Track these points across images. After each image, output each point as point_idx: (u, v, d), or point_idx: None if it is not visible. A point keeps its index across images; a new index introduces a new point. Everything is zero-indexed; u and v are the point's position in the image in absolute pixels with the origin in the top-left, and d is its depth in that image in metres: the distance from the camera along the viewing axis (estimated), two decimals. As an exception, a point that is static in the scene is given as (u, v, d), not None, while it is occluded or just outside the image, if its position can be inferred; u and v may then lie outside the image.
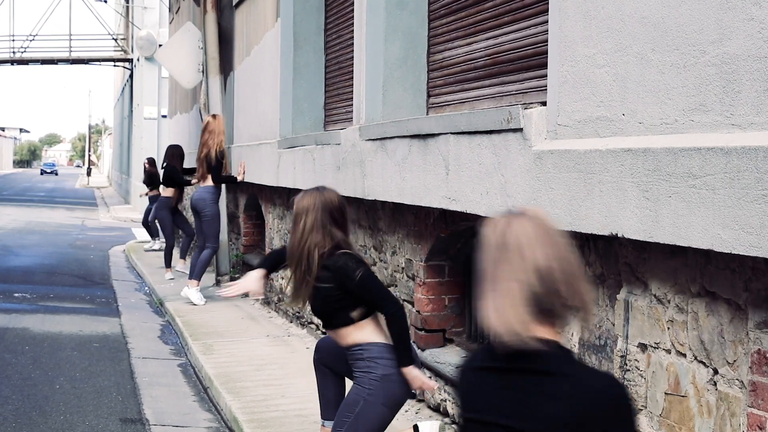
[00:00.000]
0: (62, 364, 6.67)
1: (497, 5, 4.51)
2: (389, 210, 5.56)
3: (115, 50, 33.20)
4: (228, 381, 5.87)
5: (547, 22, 3.73)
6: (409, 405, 5.04)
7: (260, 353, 6.75)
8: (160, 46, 21.40)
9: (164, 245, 11.82)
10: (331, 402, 4.03)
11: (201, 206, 9.16)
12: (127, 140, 34.54)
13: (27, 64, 32.29)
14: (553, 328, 1.86)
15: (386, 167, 5.13)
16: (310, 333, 7.29)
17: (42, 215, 24.21)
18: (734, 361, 2.65)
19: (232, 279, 9.41)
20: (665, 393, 2.98)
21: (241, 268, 10.04)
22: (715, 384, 2.74)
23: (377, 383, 3.55)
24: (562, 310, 1.85)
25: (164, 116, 23.75)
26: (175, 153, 11.06)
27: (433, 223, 4.90)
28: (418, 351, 4.77)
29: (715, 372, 2.74)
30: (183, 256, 11.66)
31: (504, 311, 1.81)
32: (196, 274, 9.20)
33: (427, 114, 5.38)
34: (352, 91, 6.30)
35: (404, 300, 5.32)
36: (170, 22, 16.91)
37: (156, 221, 14.34)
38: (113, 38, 33.18)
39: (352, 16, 6.22)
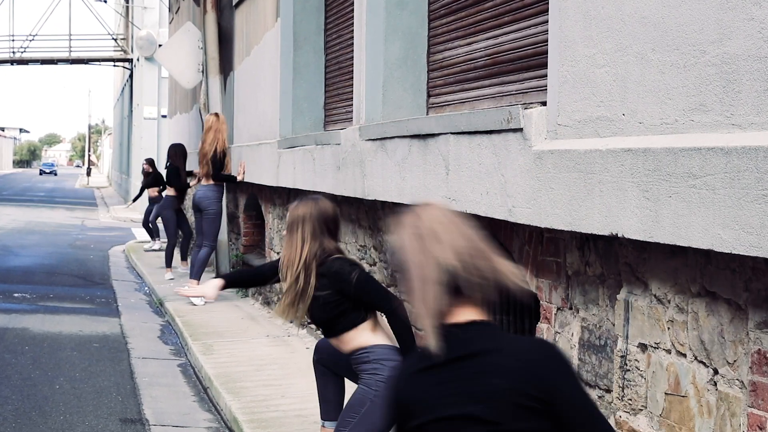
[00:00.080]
0: (62, 365, 6.67)
1: (497, 5, 4.51)
2: (389, 210, 5.56)
3: (114, 50, 33.19)
4: (228, 381, 5.86)
5: (547, 22, 3.73)
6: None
7: (260, 353, 6.74)
8: (159, 46, 21.40)
9: (164, 245, 11.81)
10: (331, 403, 4.03)
11: (205, 204, 9.17)
12: (127, 140, 34.53)
13: (27, 64, 32.29)
14: (476, 307, 1.87)
15: (386, 167, 5.13)
16: (310, 333, 7.29)
17: (42, 215, 24.21)
18: (734, 361, 2.65)
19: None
20: (665, 393, 2.97)
21: (240, 268, 10.04)
22: (715, 384, 2.74)
23: (384, 385, 3.55)
24: (482, 287, 1.86)
25: (164, 116, 23.76)
26: (177, 152, 11.05)
27: (433, 223, 4.89)
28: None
29: (716, 372, 2.74)
30: (184, 258, 11.65)
31: (427, 301, 1.84)
32: (195, 273, 9.20)
33: (427, 114, 5.38)
34: (352, 91, 6.30)
35: (404, 300, 5.31)
36: (170, 22, 16.91)
37: (156, 221, 14.36)
38: (113, 38, 33.17)
39: (352, 16, 6.22)
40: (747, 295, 2.60)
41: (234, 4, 10.10)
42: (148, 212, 14.86)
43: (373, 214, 5.85)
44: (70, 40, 31.61)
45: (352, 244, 6.24)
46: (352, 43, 6.24)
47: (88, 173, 64.94)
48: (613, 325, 3.26)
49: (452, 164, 4.26)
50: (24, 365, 6.59)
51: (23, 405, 5.55)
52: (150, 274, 11.49)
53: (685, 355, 2.88)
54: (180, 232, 11.78)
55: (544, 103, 3.65)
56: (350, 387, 3.95)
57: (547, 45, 3.66)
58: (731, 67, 2.59)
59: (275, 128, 8.02)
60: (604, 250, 3.32)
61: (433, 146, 4.48)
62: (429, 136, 4.53)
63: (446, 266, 1.83)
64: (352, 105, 6.29)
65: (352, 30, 6.25)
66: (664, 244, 2.81)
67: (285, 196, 8.13)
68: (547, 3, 3.70)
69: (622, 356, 3.20)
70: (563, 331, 3.62)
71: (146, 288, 10.87)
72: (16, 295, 9.90)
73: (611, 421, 3.25)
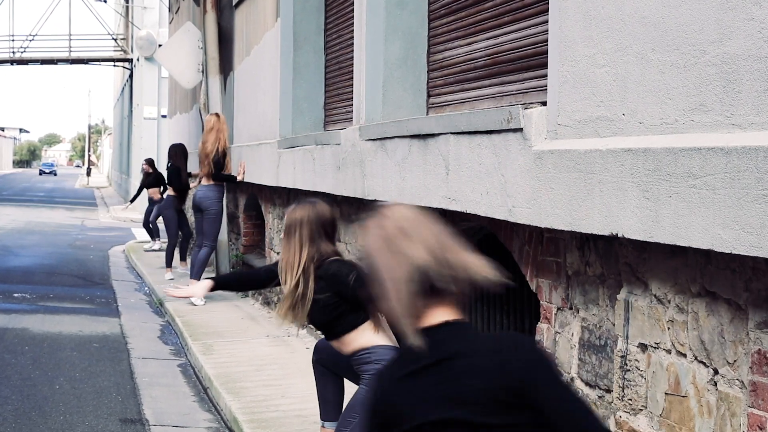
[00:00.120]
0: (62, 365, 6.67)
1: (497, 5, 4.51)
2: (389, 210, 5.55)
3: (114, 50, 33.20)
4: (228, 381, 5.86)
5: (547, 22, 3.73)
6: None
7: (260, 353, 6.74)
8: (159, 46, 21.40)
9: (164, 245, 11.79)
10: (330, 403, 4.03)
11: (206, 204, 9.18)
12: (127, 140, 34.53)
13: (27, 64, 32.29)
14: (450, 307, 1.86)
15: (386, 167, 5.12)
16: (310, 333, 7.29)
17: (41, 215, 24.21)
18: (734, 361, 2.65)
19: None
20: (665, 393, 2.97)
21: (240, 268, 10.04)
22: (715, 384, 2.74)
23: (365, 394, 3.55)
24: (455, 282, 1.85)
25: (164, 116, 23.75)
26: (178, 152, 11.03)
27: (433, 223, 4.89)
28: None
29: (716, 372, 2.74)
30: (183, 258, 11.65)
31: (401, 304, 1.83)
32: (195, 273, 9.20)
33: (427, 114, 5.38)
34: (352, 91, 6.30)
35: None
36: (170, 22, 16.91)
37: (157, 221, 14.36)
38: (113, 38, 33.17)
39: (352, 16, 6.22)
40: (747, 295, 2.60)
41: (234, 4, 10.10)
42: (148, 212, 14.85)
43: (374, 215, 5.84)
44: (70, 40, 31.61)
45: (352, 244, 6.24)
46: (352, 43, 6.24)
47: (88, 173, 64.96)
48: (614, 325, 3.26)
49: (452, 164, 4.26)
50: (24, 365, 6.59)
51: (23, 405, 5.55)
52: (150, 274, 11.49)
53: (685, 355, 2.88)
54: (180, 233, 11.77)
55: (544, 103, 3.65)
56: (350, 387, 3.95)
57: (547, 45, 3.66)
58: (731, 67, 2.59)
59: (275, 128, 8.02)
60: (604, 250, 3.32)
61: (433, 146, 4.48)
62: (429, 136, 4.53)
63: (418, 264, 1.82)
64: (352, 105, 6.29)
65: (352, 30, 6.25)
66: (664, 244, 2.81)
67: (285, 196, 8.13)
68: (547, 3, 3.69)
69: (622, 356, 3.20)
70: (563, 331, 3.62)
71: (146, 288, 10.87)
72: (15, 295, 9.90)
73: (611, 421, 3.25)
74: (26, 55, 31.85)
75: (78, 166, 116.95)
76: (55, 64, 31.85)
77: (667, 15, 2.86)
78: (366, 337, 3.64)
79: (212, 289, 4.10)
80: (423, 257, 1.82)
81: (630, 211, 2.92)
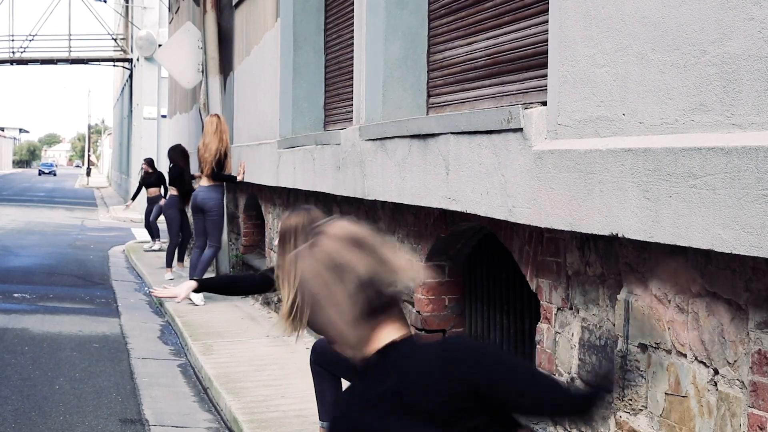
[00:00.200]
0: (62, 365, 6.67)
1: (497, 5, 4.51)
2: (389, 210, 5.56)
3: (114, 50, 33.20)
4: (228, 381, 5.86)
5: (547, 22, 3.73)
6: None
7: (260, 353, 6.74)
8: (159, 46, 21.40)
9: (164, 246, 11.78)
10: (329, 403, 4.03)
11: (210, 205, 9.19)
12: (127, 140, 34.54)
13: (26, 64, 32.29)
14: (394, 323, 1.86)
15: (386, 167, 5.12)
16: (310, 333, 7.28)
17: (41, 215, 24.21)
18: (735, 361, 2.65)
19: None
20: (666, 393, 2.97)
21: (240, 268, 10.04)
22: (715, 384, 2.74)
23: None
24: (392, 296, 1.85)
25: (164, 116, 23.75)
26: (179, 153, 11.02)
27: (433, 223, 4.90)
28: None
29: (716, 372, 2.74)
30: (181, 259, 11.63)
31: (345, 332, 1.82)
32: (198, 273, 9.20)
33: (427, 114, 5.38)
34: (352, 91, 6.30)
35: (404, 300, 5.31)
36: (170, 22, 16.91)
37: (157, 221, 14.35)
38: (113, 38, 33.18)
39: (352, 16, 6.21)
40: (747, 295, 2.60)
41: (234, 4, 10.10)
42: (147, 212, 14.84)
43: (373, 214, 5.85)
44: (70, 40, 31.62)
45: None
46: (352, 43, 6.24)
47: (88, 173, 64.98)
48: (614, 325, 3.26)
49: (452, 164, 4.25)
50: (24, 365, 6.58)
51: (23, 405, 5.55)
52: (150, 274, 11.49)
53: (685, 356, 2.88)
54: (180, 233, 11.76)
55: (544, 103, 3.65)
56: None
57: (547, 45, 3.66)
58: (731, 66, 2.58)
59: (275, 128, 8.02)
60: (604, 250, 3.31)
61: (433, 146, 4.48)
62: (429, 136, 4.53)
63: (360, 278, 1.80)
64: (352, 105, 6.29)
65: (352, 30, 6.25)
66: (664, 244, 2.81)
67: (285, 196, 8.13)
68: (547, 3, 3.69)
69: (622, 356, 3.20)
70: (563, 331, 3.62)
71: (146, 288, 10.87)
72: (15, 295, 9.90)
73: (611, 422, 3.25)
74: (26, 55, 31.86)
75: (78, 166, 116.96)
76: (55, 64, 31.85)
77: (667, 15, 2.86)
78: None
79: (197, 290, 4.08)
80: (360, 278, 1.80)
81: (630, 211, 2.92)
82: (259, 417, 5.08)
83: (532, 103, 3.82)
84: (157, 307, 9.47)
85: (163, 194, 14.30)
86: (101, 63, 33.36)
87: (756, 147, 2.40)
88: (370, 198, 5.44)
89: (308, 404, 5.13)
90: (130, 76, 32.12)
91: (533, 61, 4.11)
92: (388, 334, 1.85)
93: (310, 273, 1.85)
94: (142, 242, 15.76)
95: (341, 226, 1.89)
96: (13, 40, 31.76)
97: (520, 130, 3.63)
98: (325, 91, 7.65)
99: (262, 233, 9.88)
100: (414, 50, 5.47)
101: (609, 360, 2.90)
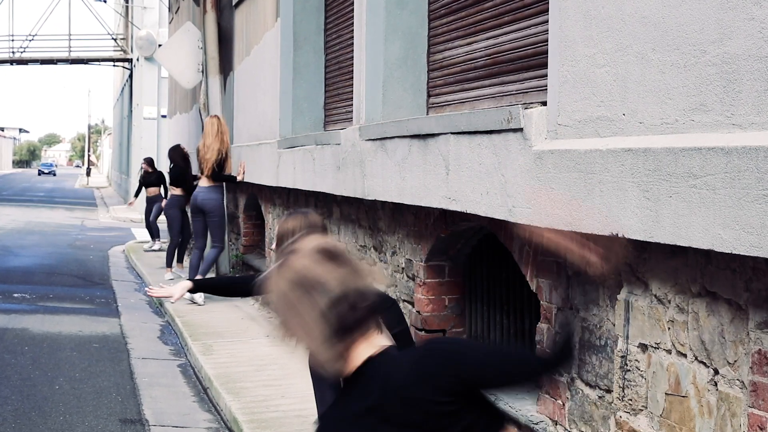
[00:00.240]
0: (62, 365, 6.67)
1: (497, 5, 4.51)
2: (389, 210, 5.56)
3: (114, 50, 33.20)
4: (228, 381, 5.86)
5: (547, 21, 3.73)
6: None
7: (260, 353, 6.74)
8: (159, 46, 21.40)
9: (164, 246, 11.78)
10: (328, 404, 4.02)
11: (211, 205, 9.20)
12: (127, 140, 34.53)
13: (26, 64, 32.30)
14: (369, 337, 1.85)
15: (386, 167, 5.12)
16: (310, 333, 7.29)
17: (41, 215, 24.21)
18: (735, 361, 2.65)
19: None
20: (666, 393, 2.97)
21: (240, 268, 10.04)
22: (715, 384, 2.74)
23: None
24: (367, 310, 1.83)
25: (164, 116, 23.76)
26: (179, 154, 11.02)
27: (433, 223, 4.90)
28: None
29: (716, 372, 2.74)
30: (180, 260, 11.63)
31: (318, 351, 1.82)
32: (201, 272, 9.20)
33: (427, 114, 5.38)
34: (352, 91, 6.30)
35: (404, 300, 5.32)
36: (170, 22, 16.91)
37: (157, 220, 14.35)
38: (113, 38, 33.18)
39: (352, 16, 6.21)
40: (747, 295, 2.60)
41: (234, 4, 10.10)
42: (147, 212, 14.83)
43: (373, 214, 5.85)
44: (70, 40, 31.62)
45: (351, 245, 6.24)
46: (352, 43, 6.24)
47: (88, 173, 64.98)
48: (614, 325, 3.26)
49: (452, 164, 4.25)
50: (24, 365, 6.58)
51: (23, 405, 5.55)
52: (150, 274, 11.49)
53: (685, 356, 2.88)
54: (181, 234, 11.76)
55: (544, 103, 3.65)
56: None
57: (547, 45, 3.66)
58: (732, 66, 2.58)
59: (275, 128, 8.02)
60: (604, 250, 3.31)
61: (433, 146, 4.48)
62: (429, 136, 4.53)
63: (328, 301, 1.79)
64: (352, 105, 6.28)
65: (352, 30, 6.25)
66: (664, 244, 2.81)
67: (285, 196, 8.13)
68: (547, 3, 3.69)
69: (622, 356, 3.20)
70: (563, 331, 3.61)
71: (146, 288, 10.86)
72: (15, 295, 9.90)
73: (611, 421, 3.25)
74: (26, 55, 31.86)
75: (78, 166, 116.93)
76: (55, 64, 31.85)
77: (667, 15, 2.86)
78: None
79: (192, 291, 4.12)
80: (336, 284, 1.80)
81: (630, 211, 2.91)
82: (259, 417, 5.08)
83: (532, 103, 3.82)
84: (157, 307, 9.47)
85: (163, 194, 14.28)
86: (101, 63, 33.37)
87: (756, 147, 2.40)
88: (370, 198, 5.44)
89: (308, 404, 5.13)
90: (130, 76, 32.12)
91: (533, 61, 4.11)
92: (365, 350, 1.84)
93: (276, 295, 1.85)
94: (142, 242, 15.76)
95: (311, 240, 1.89)
96: (13, 40, 31.77)
97: (520, 130, 3.63)
98: (325, 91, 7.65)
99: (262, 233, 9.88)
100: (414, 50, 5.47)
101: (568, 328, 2.95)
